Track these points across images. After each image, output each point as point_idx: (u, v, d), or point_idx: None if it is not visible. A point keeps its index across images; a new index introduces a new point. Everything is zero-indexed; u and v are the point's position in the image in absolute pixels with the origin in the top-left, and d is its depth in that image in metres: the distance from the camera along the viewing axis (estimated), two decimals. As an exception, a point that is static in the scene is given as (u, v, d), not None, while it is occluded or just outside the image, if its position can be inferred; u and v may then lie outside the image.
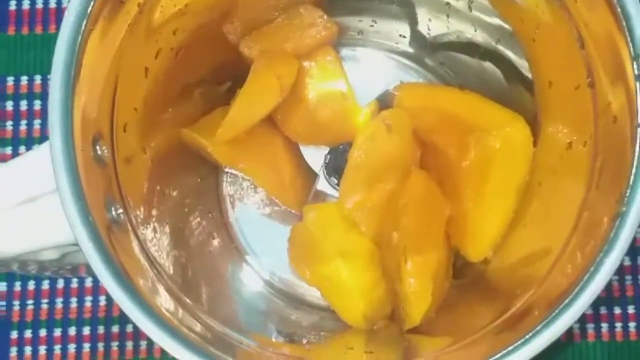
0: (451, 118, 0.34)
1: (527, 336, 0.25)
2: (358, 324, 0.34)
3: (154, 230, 0.31)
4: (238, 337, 0.29)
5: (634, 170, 0.26)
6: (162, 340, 0.26)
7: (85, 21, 0.27)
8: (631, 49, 0.26)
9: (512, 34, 0.33)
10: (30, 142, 0.43)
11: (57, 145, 0.26)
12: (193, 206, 0.37)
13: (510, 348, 0.25)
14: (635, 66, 0.26)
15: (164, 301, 0.28)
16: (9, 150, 0.43)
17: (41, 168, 0.27)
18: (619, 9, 0.26)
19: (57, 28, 0.43)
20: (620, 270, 0.41)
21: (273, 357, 0.30)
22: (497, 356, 0.25)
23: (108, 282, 0.25)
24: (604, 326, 0.40)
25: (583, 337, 0.40)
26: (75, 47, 0.27)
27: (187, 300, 0.30)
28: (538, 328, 0.25)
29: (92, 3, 0.27)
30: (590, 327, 0.40)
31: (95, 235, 0.26)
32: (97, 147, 0.28)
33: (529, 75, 0.34)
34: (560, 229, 0.28)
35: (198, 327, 0.28)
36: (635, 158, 0.26)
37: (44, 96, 0.43)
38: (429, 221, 0.34)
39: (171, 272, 0.30)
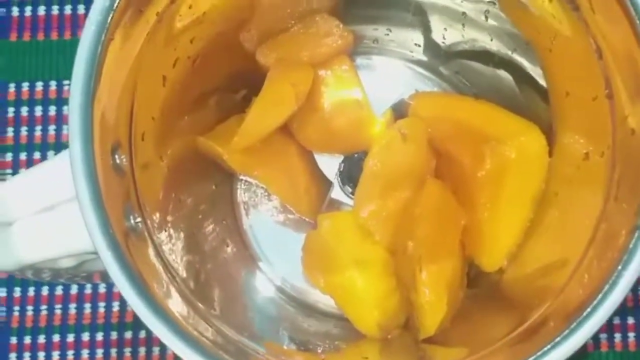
0: (466, 127, 0.34)
1: (544, 349, 0.25)
2: (372, 333, 0.34)
3: (170, 236, 0.31)
4: (251, 345, 0.29)
5: (653, 183, 0.26)
6: (177, 346, 0.26)
7: (105, 30, 0.27)
8: (650, 61, 0.26)
9: (528, 44, 0.33)
10: (45, 147, 0.43)
11: (76, 153, 0.26)
12: (207, 213, 0.37)
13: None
14: (653, 79, 0.26)
15: (179, 307, 0.28)
16: (23, 155, 0.43)
17: (60, 176, 0.27)
18: (637, 22, 0.26)
19: (72, 34, 0.44)
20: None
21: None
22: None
23: (126, 289, 0.26)
24: (617, 336, 0.40)
25: (596, 347, 0.40)
26: (96, 55, 0.27)
27: (201, 306, 0.30)
28: (555, 341, 0.25)
29: (112, 12, 0.27)
30: (603, 337, 0.40)
31: (114, 243, 0.26)
32: (116, 156, 0.28)
33: (544, 85, 0.34)
34: (577, 240, 0.28)
35: (211, 334, 0.28)
36: (654, 170, 0.26)
37: (58, 102, 0.43)
38: (444, 230, 0.34)
39: (185, 277, 0.31)
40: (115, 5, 0.27)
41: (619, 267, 0.25)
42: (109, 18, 0.27)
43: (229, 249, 0.39)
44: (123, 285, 0.25)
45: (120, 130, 0.28)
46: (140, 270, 0.26)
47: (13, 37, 0.44)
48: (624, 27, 0.27)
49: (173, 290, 0.28)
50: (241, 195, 0.40)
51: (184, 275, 0.31)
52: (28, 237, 0.27)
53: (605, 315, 0.25)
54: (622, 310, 0.40)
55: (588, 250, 0.28)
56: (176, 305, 0.28)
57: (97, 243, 0.26)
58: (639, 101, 0.26)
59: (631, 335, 0.40)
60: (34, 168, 0.29)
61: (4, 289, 0.42)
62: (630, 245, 0.25)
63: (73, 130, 0.26)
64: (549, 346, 0.25)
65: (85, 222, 0.26)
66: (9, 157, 0.43)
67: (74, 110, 0.26)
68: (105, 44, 0.27)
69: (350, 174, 0.37)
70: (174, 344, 0.26)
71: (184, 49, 0.32)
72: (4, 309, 0.41)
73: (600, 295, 0.25)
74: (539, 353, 0.25)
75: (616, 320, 0.40)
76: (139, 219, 0.28)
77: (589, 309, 0.25)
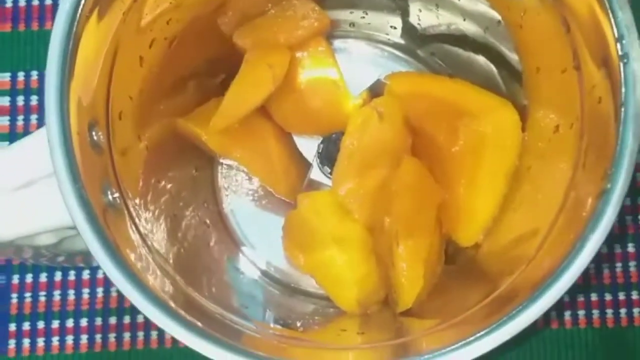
0: (441, 105, 0.34)
1: (512, 313, 0.26)
2: (352, 309, 0.35)
3: (152, 217, 0.32)
4: (240, 322, 0.30)
5: (617, 148, 0.26)
6: (160, 320, 0.26)
7: (80, 9, 0.27)
8: (615, 31, 0.27)
9: (500, 22, 0.34)
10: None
11: (53, 128, 0.26)
12: (189, 197, 0.38)
13: (494, 325, 0.26)
14: (618, 47, 0.27)
15: (161, 283, 0.28)
16: (5, 145, 0.43)
17: (38, 153, 0.27)
18: (602, -7, 0.27)
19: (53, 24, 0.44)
20: (611, 258, 0.41)
21: (271, 339, 0.30)
22: (484, 332, 0.26)
23: (104, 262, 0.26)
24: (595, 312, 0.41)
25: (575, 324, 0.41)
26: (71, 34, 0.27)
27: (185, 285, 0.30)
28: (523, 305, 0.26)
29: (87, -9, 0.27)
30: (581, 313, 0.41)
31: (92, 217, 0.26)
32: (93, 133, 0.28)
33: (517, 66, 0.34)
34: (548, 210, 0.29)
35: (198, 312, 0.28)
36: (619, 136, 0.26)
37: (40, 92, 0.44)
38: (420, 206, 0.34)
39: (169, 257, 0.31)
40: (91, -16, 0.27)
41: (586, 231, 0.26)
42: (84, -3, 0.27)
43: (211, 233, 0.39)
44: (101, 258, 0.26)
45: (97, 109, 0.29)
46: (118, 244, 0.27)
47: (7, 27, 0.44)
48: (589, -2, 0.27)
49: (155, 266, 0.29)
50: (222, 179, 0.40)
51: (167, 255, 0.31)
52: (6, 213, 0.27)
53: (572, 279, 0.26)
54: (599, 288, 0.41)
55: (558, 218, 0.28)
56: (158, 281, 0.29)
57: (75, 217, 0.26)
58: (606, 67, 0.27)
59: (609, 311, 0.41)
60: (10, 146, 0.29)
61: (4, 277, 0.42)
62: (597, 210, 0.26)
63: (49, 107, 0.27)
64: (517, 310, 0.26)
65: (62, 196, 0.26)
66: (5, 144, 0.43)
67: (50, 87, 0.27)
68: (81, 23, 0.27)
69: (329, 155, 0.37)
70: (156, 317, 0.26)
71: (160, 30, 0.32)
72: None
73: (567, 260, 0.26)
74: (504, 318, 0.26)
75: (594, 297, 0.41)
76: (116, 195, 0.28)
77: (556, 274, 0.26)
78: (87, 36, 0.28)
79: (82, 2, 0.27)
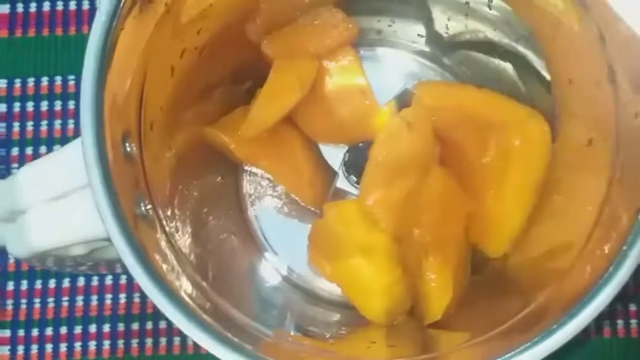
0: (470, 115, 0.34)
1: (550, 329, 0.26)
2: (379, 319, 0.35)
3: (179, 225, 0.32)
4: (261, 329, 0.30)
5: (656, 165, 0.26)
6: (190, 330, 0.26)
7: (115, 20, 0.27)
8: (652, 46, 0.27)
9: (530, 33, 0.34)
10: (51, 142, 0.43)
11: (89, 141, 0.26)
12: (214, 203, 0.38)
13: (530, 342, 0.26)
14: (655, 63, 0.27)
15: (189, 292, 0.28)
16: (29, 150, 0.43)
17: (71, 165, 0.27)
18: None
19: (77, 30, 0.44)
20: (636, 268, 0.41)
21: (296, 348, 0.30)
22: (518, 350, 0.26)
23: (138, 273, 0.26)
24: (620, 323, 0.41)
25: (599, 334, 0.41)
26: (106, 45, 0.27)
27: (211, 292, 0.30)
28: (561, 321, 0.26)
29: (122, 2, 0.27)
30: (606, 323, 0.41)
31: (126, 228, 0.26)
32: (126, 144, 0.28)
33: (546, 75, 0.34)
34: (581, 224, 0.29)
35: (223, 319, 0.28)
36: (658, 153, 0.26)
37: (64, 97, 0.44)
38: (449, 217, 0.34)
39: (195, 265, 0.31)
40: (125, -5, 0.27)
41: (624, 248, 0.26)
42: (119, 8, 0.27)
43: (235, 239, 0.39)
44: (135, 269, 0.26)
45: (130, 120, 0.29)
46: (150, 255, 0.27)
47: (18, 33, 0.44)
48: (625, 11, 0.27)
49: (183, 276, 0.29)
50: (247, 186, 0.40)
51: (194, 262, 0.31)
52: (41, 224, 0.27)
53: (610, 296, 0.26)
54: (624, 298, 0.41)
55: (592, 233, 0.28)
56: (187, 290, 0.29)
57: (110, 229, 0.26)
58: (642, 83, 0.27)
59: (633, 322, 0.41)
60: (45, 157, 0.29)
61: (11, 283, 0.42)
62: (634, 227, 0.26)
63: (85, 119, 0.27)
64: (554, 326, 0.25)
65: (98, 207, 0.26)
66: (15, 151, 0.43)
67: (85, 98, 0.27)
68: (115, 34, 0.27)
69: (355, 164, 0.37)
70: (185, 327, 0.26)
71: (191, 40, 0.32)
72: (10, 302, 0.42)
73: (605, 276, 0.26)
74: (543, 334, 0.26)
75: (619, 307, 0.41)
76: (149, 206, 0.28)
77: (594, 290, 0.26)
78: (121, 48, 0.28)
79: (118, 12, 0.27)
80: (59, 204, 0.28)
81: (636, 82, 0.27)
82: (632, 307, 0.41)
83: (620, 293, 0.26)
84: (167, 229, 0.30)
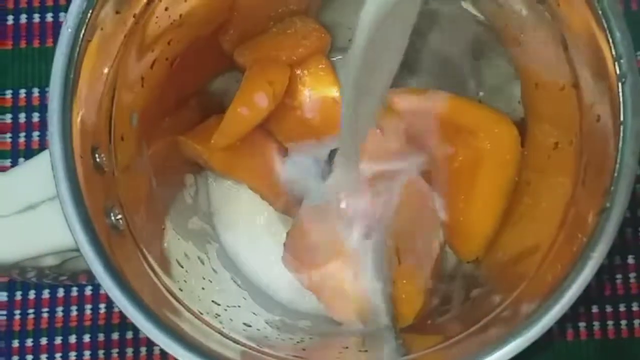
0: (440, 120, 0.35)
1: (518, 329, 0.26)
2: (353, 324, 0.35)
3: (151, 235, 0.32)
4: (236, 338, 0.30)
5: (617, 167, 0.26)
6: (159, 338, 0.26)
7: (82, 32, 0.27)
8: (613, 50, 0.27)
9: (498, 38, 0.34)
10: (29, 154, 0.43)
11: (57, 153, 0.27)
12: (189, 212, 0.38)
13: (499, 342, 0.26)
14: (617, 66, 0.27)
15: (162, 302, 0.29)
16: (7, 162, 0.43)
17: (41, 176, 0.27)
18: (600, 12, 0.27)
19: (55, 41, 0.44)
20: (612, 270, 0.41)
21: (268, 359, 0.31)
22: (489, 350, 0.26)
23: (107, 284, 0.26)
24: (596, 324, 0.41)
25: (576, 336, 0.41)
26: (74, 57, 0.27)
27: (184, 302, 0.30)
28: (530, 321, 0.26)
29: (89, 14, 0.27)
30: (582, 325, 0.41)
31: (95, 239, 0.26)
32: (96, 155, 0.28)
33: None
34: (548, 226, 0.29)
35: (197, 329, 0.29)
36: (619, 154, 0.26)
37: (42, 109, 0.44)
38: (421, 223, 0.35)
39: (169, 275, 0.31)
40: (92, 7, 0.27)
41: (588, 249, 0.26)
42: (86, 20, 0.28)
43: (209, 248, 0.39)
44: (104, 279, 0.26)
45: (99, 130, 0.29)
46: (121, 265, 0.27)
47: (9, 44, 0.44)
48: (586, 15, 0.27)
49: (155, 285, 0.29)
50: (217, 194, 0.40)
51: (168, 273, 0.31)
52: (10, 235, 0.28)
53: (575, 296, 0.26)
54: (600, 299, 0.41)
55: (558, 234, 0.29)
56: (160, 300, 0.29)
57: (79, 239, 0.26)
58: (604, 86, 0.27)
59: (610, 323, 0.41)
60: (14, 168, 0.29)
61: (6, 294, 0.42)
62: (598, 228, 0.26)
63: (52, 129, 0.27)
64: (522, 327, 0.26)
65: (66, 219, 0.26)
66: (7, 162, 0.43)
67: (52, 110, 0.27)
68: (83, 46, 0.28)
69: (330, 167, 0.37)
70: (157, 338, 0.26)
71: (161, 51, 0.32)
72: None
73: (571, 276, 0.26)
74: (512, 334, 0.26)
75: (595, 309, 0.41)
76: (119, 216, 0.29)
77: (561, 290, 0.26)
78: (89, 59, 0.28)
79: (84, 25, 0.27)
80: (28, 215, 0.28)
81: (597, 83, 0.28)
82: (594, 309, 0.41)
83: (583, 295, 0.26)
84: (139, 240, 0.30)
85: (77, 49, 0.28)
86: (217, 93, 0.39)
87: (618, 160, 0.26)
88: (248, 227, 0.40)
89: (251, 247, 0.39)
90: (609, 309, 0.41)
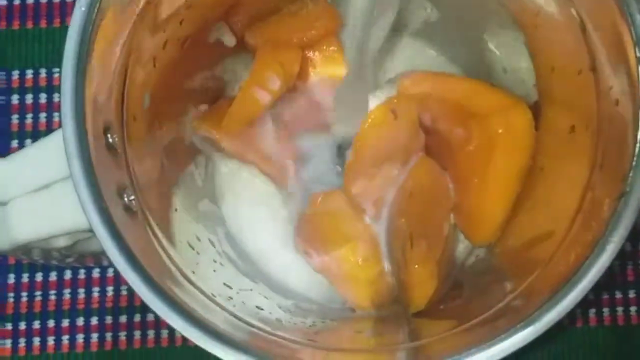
0: (454, 104, 0.34)
1: (532, 317, 0.26)
2: (366, 309, 0.35)
3: (163, 216, 0.32)
4: (249, 321, 0.30)
5: (636, 151, 0.26)
6: (173, 320, 0.26)
7: (95, 11, 0.27)
8: (633, 33, 0.27)
9: (513, 21, 0.34)
10: (36, 135, 0.43)
11: (69, 133, 0.26)
12: (200, 194, 0.37)
13: (514, 329, 0.26)
14: (636, 50, 0.27)
15: (175, 284, 0.28)
16: (15, 143, 0.43)
17: (54, 156, 0.27)
18: (620, -7, 0.27)
19: (61, 22, 0.44)
20: (622, 256, 0.41)
21: (283, 342, 0.30)
22: (502, 337, 0.26)
23: (121, 264, 0.26)
24: (606, 310, 0.41)
25: (585, 322, 0.41)
26: (86, 37, 0.27)
27: (197, 284, 0.30)
28: (544, 308, 0.26)
29: (102, -7, 0.27)
30: (592, 312, 0.41)
31: (109, 220, 0.26)
32: (109, 136, 0.28)
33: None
34: (564, 211, 0.29)
35: (210, 310, 0.28)
36: (638, 139, 0.26)
37: (49, 90, 0.43)
38: (434, 207, 0.34)
39: (181, 257, 0.31)
40: (106, -15, 0.27)
41: (606, 234, 0.26)
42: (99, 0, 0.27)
43: (219, 232, 0.39)
44: (118, 261, 0.26)
45: (112, 111, 0.29)
46: (135, 247, 0.27)
47: (2, 25, 0.44)
48: (606, 0, 0.27)
49: (167, 265, 0.29)
50: (229, 176, 0.40)
51: (179, 255, 0.31)
52: (23, 215, 0.27)
53: (593, 282, 0.26)
54: (610, 285, 0.41)
55: (575, 220, 0.28)
56: (171, 280, 0.29)
57: (92, 220, 0.26)
58: (622, 70, 0.27)
59: (619, 309, 0.41)
60: (27, 148, 0.29)
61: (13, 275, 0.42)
62: (616, 213, 0.26)
63: (65, 110, 0.27)
64: (537, 313, 0.26)
65: (79, 199, 0.26)
66: (14, 143, 0.43)
67: (65, 91, 0.27)
68: (96, 25, 0.27)
69: (341, 154, 0.37)
70: (170, 318, 0.26)
71: (173, 31, 0.32)
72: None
73: (588, 261, 0.26)
74: (526, 321, 0.26)
75: (605, 295, 0.41)
76: (132, 197, 0.28)
77: (577, 276, 0.26)
78: (101, 39, 0.28)
79: (98, 2, 0.27)
80: (42, 195, 0.28)
81: (616, 67, 0.28)
82: (618, 295, 0.41)
83: (606, 282, 0.26)
84: (152, 221, 0.30)
85: (90, 28, 0.27)
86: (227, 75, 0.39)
87: (637, 145, 0.26)
88: (254, 211, 0.39)
89: (257, 231, 0.39)
90: (618, 295, 0.41)
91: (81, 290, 0.42)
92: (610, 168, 0.27)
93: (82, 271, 0.42)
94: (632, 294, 0.41)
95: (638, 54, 0.27)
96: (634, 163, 0.26)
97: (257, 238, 0.38)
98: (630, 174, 0.26)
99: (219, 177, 0.39)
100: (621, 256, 0.41)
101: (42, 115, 0.43)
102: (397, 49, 0.40)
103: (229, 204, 0.39)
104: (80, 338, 0.41)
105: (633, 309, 0.41)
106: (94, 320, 0.41)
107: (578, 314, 0.41)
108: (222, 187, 0.39)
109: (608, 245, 0.26)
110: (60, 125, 0.27)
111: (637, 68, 0.27)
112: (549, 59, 0.32)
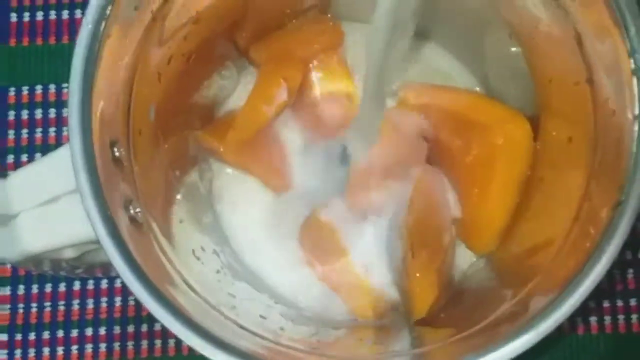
0: (454, 116, 0.35)
1: (530, 323, 0.26)
2: (367, 318, 0.35)
3: (169, 228, 0.32)
4: (253, 330, 0.30)
5: (632, 161, 0.27)
6: (179, 330, 0.27)
7: (102, 28, 0.28)
8: (628, 45, 0.27)
9: (512, 33, 0.34)
10: (45, 149, 0.44)
11: (76, 147, 0.27)
12: (205, 205, 0.38)
13: (511, 336, 0.26)
14: (631, 61, 0.27)
15: (181, 295, 0.29)
16: (24, 157, 0.44)
17: (62, 169, 0.28)
18: (614, 7, 0.27)
19: (70, 39, 0.45)
20: (622, 264, 0.42)
21: (286, 351, 0.31)
22: (501, 343, 0.26)
23: (127, 276, 0.27)
24: (607, 319, 0.41)
25: (587, 330, 0.41)
26: (93, 53, 0.28)
27: (202, 294, 0.30)
28: (542, 315, 0.26)
29: (108, 10, 0.28)
30: (593, 319, 0.41)
31: (115, 232, 0.27)
32: (115, 149, 0.29)
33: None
34: (562, 220, 0.29)
35: (214, 320, 0.29)
36: (633, 149, 0.27)
37: (58, 105, 0.44)
38: (434, 217, 0.35)
39: (186, 268, 0.31)
40: (111, 3, 0.28)
41: (602, 243, 0.26)
42: (105, 16, 0.28)
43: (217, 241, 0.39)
44: (124, 272, 0.26)
45: (118, 125, 0.29)
46: (140, 257, 0.27)
47: (12, 42, 0.45)
48: (601, 10, 0.28)
49: (173, 277, 0.29)
50: (230, 188, 0.40)
51: (184, 265, 0.32)
52: (32, 228, 0.28)
53: (588, 290, 0.26)
54: (611, 294, 0.41)
55: (572, 229, 0.29)
56: (178, 292, 0.29)
57: (99, 232, 0.27)
58: (618, 81, 0.27)
59: (620, 317, 0.41)
60: (36, 162, 0.30)
61: (8, 288, 0.42)
62: (612, 222, 0.26)
63: (73, 125, 0.27)
64: (536, 320, 0.26)
65: (86, 211, 0.27)
66: (10, 159, 0.44)
67: (73, 105, 0.27)
68: (102, 42, 0.28)
69: (343, 162, 0.38)
70: (176, 328, 0.27)
71: (178, 47, 0.33)
72: (7, 307, 0.42)
73: (585, 270, 0.26)
74: (525, 327, 0.26)
75: (606, 304, 0.41)
76: (138, 209, 0.29)
77: (572, 285, 0.26)
78: (108, 54, 0.28)
79: (104, 19, 0.28)
80: (50, 207, 0.28)
81: (612, 78, 0.28)
82: (619, 303, 0.41)
83: (594, 290, 0.26)
84: (158, 233, 0.30)
85: (97, 44, 0.28)
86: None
87: (633, 155, 0.27)
88: (254, 222, 0.39)
89: (259, 244, 0.38)
90: (620, 303, 0.41)
91: (90, 301, 0.42)
92: (607, 178, 0.28)
93: (90, 282, 0.42)
94: (633, 302, 0.41)
95: (633, 66, 0.27)
96: (629, 173, 0.27)
97: (258, 249, 0.38)
98: (626, 184, 0.27)
99: (219, 188, 0.39)
100: (622, 264, 0.41)
101: (52, 130, 0.44)
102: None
103: (230, 214, 0.39)
104: (89, 348, 0.42)
105: (634, 316, 0.41)
106: (102, 331, 0.42)
107: (579, 321, 0.41)
108: (223, 198, 0.39)
109: (604, 254, 0.26)
110: (68, 140, 0.27)
111: (632, 79, 0.27)
112: (547, 70, 0.33)
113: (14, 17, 0.45)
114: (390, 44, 0.30)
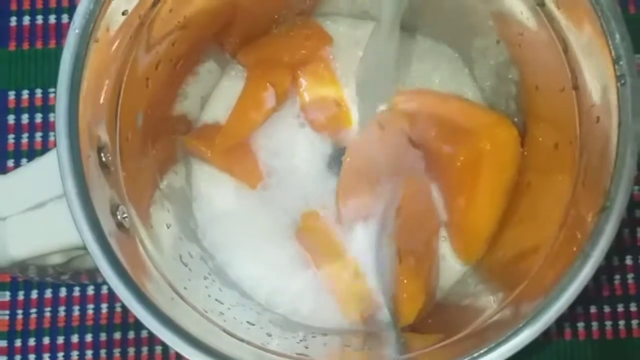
0: (443, 121, 0.35)
1: (517, 328, 0.26)
2: (355, 323, 0.35)
3: (156, 234, 0.32)
4: (240, 336, 0.30)
5: (616, 168, 0.27)
6: (165, 336, 0.27)
7: (89, 33, 0.28)
8: (612, 52, 0.28)
9: (499, 39, 0.34)
10: (32, 154, 0.43)
11: (63, 152, 0.27)
12: (192, 211, 0.38)
13: (499, 341, 0.26)
14: (616, 68, 0.27)
15: (167, 300, 0.29)
16: (11, 162, 0.43)
17: (49, 175, 0.28)
18: (599, 14, 0.28)
19: (57, 43, 0.45)
20: (610, 270, 0.42)
21: (274, 357, 0.31)
22: (488, 348, 0.26)
23: (114, 281, 0.26)
24: (594, 324, 0.41)
25: (574, 336, 0.41)
26: (80, 58, 0.28)
27: (188, 300, 0.30)
28: (529, 320, 0.26)
29: (96, 16, 0.28)
30: (580, 325, 0.41)
31: (102, 238, 0.27)
32: (102, 155, 0.29)
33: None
34: (548, 226, 0.30)
35: (202, 326, 0.29)
36: (618, 155, 0.27)
37: (44, 110, 0.44)
38: (422, 224, 0.35)
39: (174, 274, 0.31)
40: (99, 8, 0.28)
41: (588, 248, 0.26)
42: (93, 21, 0.28)
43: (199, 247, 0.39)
44: (111, 278, 0.26)
45: (105, 130, 0.29)
46: (127, 264, 0.27)
47: (12, 46, 0.44)
48: (586, 20, 0.28)
49: (159, 282, 0.29)
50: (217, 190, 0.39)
51: (171, 271, 0.32)
52: (19, 233, 0.28)
53: (574, 295, 0.26)
54: (598, 300, 0.41)
55: (559, 234, 0.29)
56: (164, 297, 0.29)
57: (86, 238, 0.26)
58: (603, 87, 0.28)
59: (608, 323, 0.41)
60: (23, 167, 0.30)
61: (7, 293, 0.42)
62: (598, 227, 0.27)
63: (60, 130, 0.27)
64: (522, 324, 0.26)
65: (73, 217, 0.26)
66: (10, 163, 0.43)
67: (60, 111, 0.27)
68: (90, 47, 0.28)
69: (332, 166, 0.38)
70: (163, 334, 0.27)
71: (166, 52, 0.33)
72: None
73: (570, 275, 0.26)
74: (507, 334, 0.26)
75: (593, 309, 0.41)
76: (125, 215, 0.29)
77: (557, 290, 0.26)
78: (95, 59, 0.28)
79: (91, 25, 0.28)
80: (36, 213, 0.28)
81: (597, 85, 0.28)
82: (592, 310, 0.41)
83: (581, 296, 0.26)
84: (143, 237, 0.30)
85: (84, 49, 0.28)
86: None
87: (617, 162, 0.27)
88: (239, 228, 0.38)
89: (245, 252, 0.37)
90: (607, 309, 0.41)
91: (76, 308, 0.42)
92: (592, 183, 0.28)
93: (76, 289, 0.42)
94: (620, 308, 0.41)
95: (617, 72, 0.27)
96: (614, 179, 0.27)
97: (244, 256, 0.37)
98: (611, 190, 0.27)
99: (202, 194, 0.38)
100: (609, 270, 0.42)
101: (38, 135, 0.44)
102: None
103: (213, 219, 0.38)
104: (74, 355, 0.42)
105: (621, 322, 0.41)
106: (89, 337, 0.42)
107: (567, 326, 0.41)
108: (206, 205, 0.38)
109: (590, 259, 0.26)
110: (55, 145, 0.27)
111: (617, 85, 0.27)
112: (533, 77, 0.33)
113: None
114: (390, 44, 0.30)
